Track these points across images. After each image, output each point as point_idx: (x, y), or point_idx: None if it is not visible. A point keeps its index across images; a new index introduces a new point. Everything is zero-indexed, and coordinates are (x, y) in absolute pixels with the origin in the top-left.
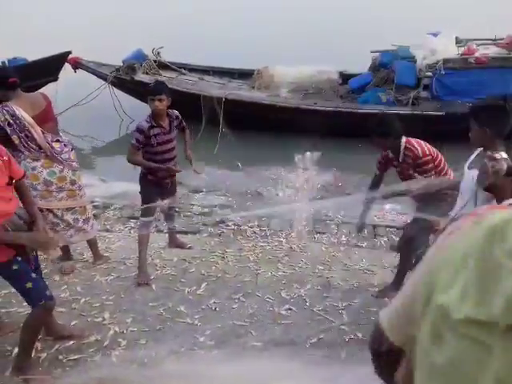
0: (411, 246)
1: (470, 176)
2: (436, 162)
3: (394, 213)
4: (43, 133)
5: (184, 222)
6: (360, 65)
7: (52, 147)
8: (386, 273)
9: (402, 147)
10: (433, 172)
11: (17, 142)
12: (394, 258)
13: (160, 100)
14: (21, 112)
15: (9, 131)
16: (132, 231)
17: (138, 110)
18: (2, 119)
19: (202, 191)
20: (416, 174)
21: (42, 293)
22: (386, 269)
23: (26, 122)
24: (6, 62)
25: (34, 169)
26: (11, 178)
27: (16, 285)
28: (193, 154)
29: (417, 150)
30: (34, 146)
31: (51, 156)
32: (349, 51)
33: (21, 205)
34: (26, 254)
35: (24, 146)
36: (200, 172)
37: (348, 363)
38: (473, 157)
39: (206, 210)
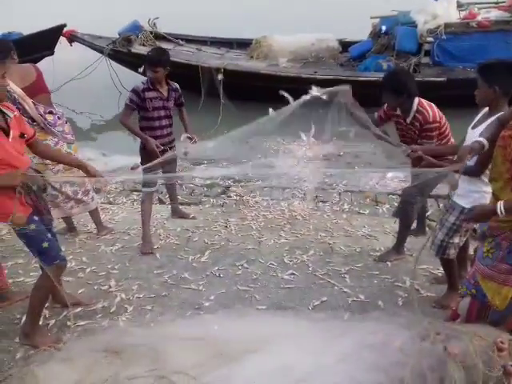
0: (409, 209)
1: (474, 135)
2: (441, 130)
3: (396, 180)
4: (35, 105)
5: (187, 194)
6: (360, 32)
7: (45, 119)
8: (387, 238)
9: (414, 108)
10: (435, 140)
11: None
12: (396, 224)
13: (156, 72)
14: (11, 84)
15: None
16: (135, 203)
17: (135, 83)
18: None
19: (203, 163)
20: (419, 139)
21: (57, 253)
22: (388, 234)
23: (15, 95)
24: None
25: None
26: (23, 134)
27: (32, 244)
28: (190, 126)
29: (428, 114)
30: (27, 119)
31: (45, 128)
32: (348, 18)
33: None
34: (42, 213)
35: None
36: (193, 137)
37: (351, 323)
38: (478, 116)
39: (207, 181)
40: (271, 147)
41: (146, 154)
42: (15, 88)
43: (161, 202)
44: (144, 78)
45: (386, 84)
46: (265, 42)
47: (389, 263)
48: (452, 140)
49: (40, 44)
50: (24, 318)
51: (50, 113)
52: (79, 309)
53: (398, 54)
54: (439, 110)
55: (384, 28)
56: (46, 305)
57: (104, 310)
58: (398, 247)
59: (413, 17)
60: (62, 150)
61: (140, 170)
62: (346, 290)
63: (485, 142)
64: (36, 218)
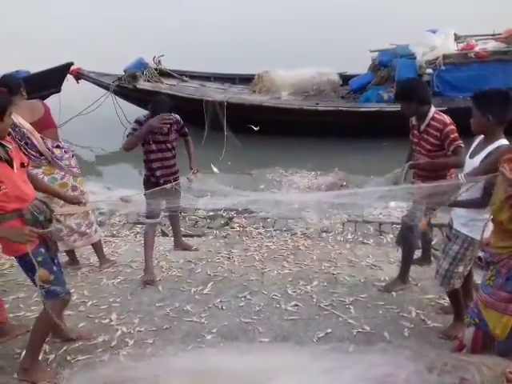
0: (410, 235)
1: (472, 164)
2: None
3: (400, 210)
4: (43, 139)
5: (190, 226)
6: (360, 65)
7: (52, 152)
8: (392, 268)
9: (430, 115)
10: (459, 141)
11: None
12: (399, 253)
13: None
14: (19, 119)
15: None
16: (138, 236)
17: None
18: None
19: (207, 195)
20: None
21: (62, 286)
22: (392, 264)
23: (25, 130)
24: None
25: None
26: (23, 164)
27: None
28: (194, 156)
29: (444, 117)
30: (35, 153)
31: (52, 162)
32: (348, 52)
33: None
34: (48, 244)
35: (24, 154)
36: (190, 181)
37: (356, 355)
38: (474, 145)
39: (211, 213)
40: (274, 179)
41: (150, 186)
42: (24, 123)
43: (164, 234)
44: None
45: (398, 94)
46: (267, 77)
47: (394, 293)
48: None
49: (47, 82)
50: (24, 353)
51: (57, 147)
52: (79, 343)
53: (397, 85)
54: None
55: (382, 60)
56: (47, 339)
57: (104, 344)
58: (403, 277)
59: (411, 49)
60: (68, 183)
61: (136, 199)
62: (350, 321)
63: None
64: (42, 250)
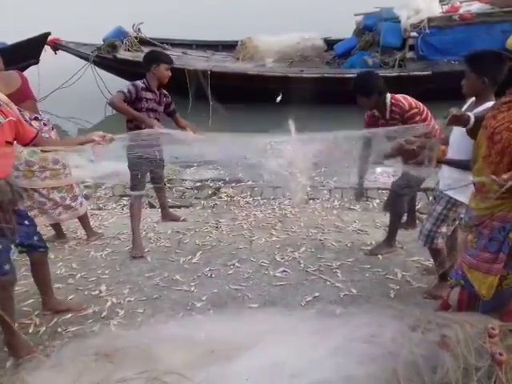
0: (398, 202)
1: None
2: (423, 116)
3: (386, 175)
4: (20, 111)
5: (177, 197)
6: (344, 29)
7: (31, 125)
8: (378, 232)
9: (388, 104)
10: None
11: None
12: (386, 218)
13: (169, 70)
14: None
15: None
16: (124, 208)
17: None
18: None
19: (193, 166)
20: None
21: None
22: (379, 228)
23: (0, 102)
24: None
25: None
26: (14, 139)
27: None
28: (193, 125)
29: (403, 104)
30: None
31: None
32: (332, 16)
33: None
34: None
35: None
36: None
37: (343, 316)
38: (465, 106)
39: (198, 184)
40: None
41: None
42: (0, 95)
43: (151, 205)
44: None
45: (355, 90)
46: (250, 43)
47: (380, 256)
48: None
49: (25, 53)
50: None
51: (36, 119)
52: (70, 315)
53: (382, 49)
54: (414, 99)
55: (367, 24)
56: (37, 312)
57: (95, 315)
58: (389, 240)
59: (396, 12)
60: (48, 156)
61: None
62: (337, 284)
63: (472, 116)
64: None
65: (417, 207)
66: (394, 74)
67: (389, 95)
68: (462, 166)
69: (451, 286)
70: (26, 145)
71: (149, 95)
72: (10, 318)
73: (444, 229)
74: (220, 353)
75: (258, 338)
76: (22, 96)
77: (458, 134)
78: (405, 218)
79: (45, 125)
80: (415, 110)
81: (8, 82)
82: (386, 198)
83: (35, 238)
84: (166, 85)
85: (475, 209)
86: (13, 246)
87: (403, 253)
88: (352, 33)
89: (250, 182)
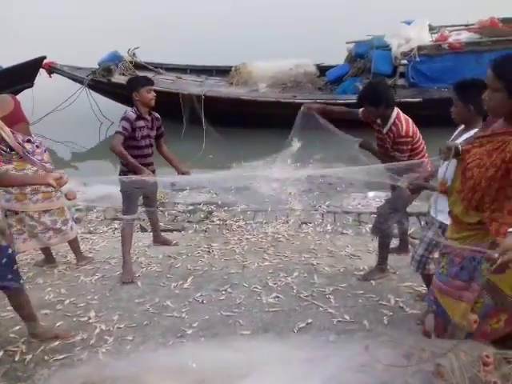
0: (384, 226)
1: None
2: (414, 145)
3: (378, 200)
4: (13, 133)
5: (169, 221)
6: (336, 57)
7: (24, 147)
8: (371, 257)
9: (392, 120)
10: (406, 154)
11: None
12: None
13: (153, 91)
14: None
15: None
16: (116, 232)
17: (116, 112)
18: None
19: (186, 189)
20: (393, 152)
21: None
22: (371, 253)
23: None
24: None
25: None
26: None
27: None
28: (176, 158)
29: (402, 127)
30: (5, 148)
31: (23, 157)
32: (324, 44)
33: None
34: None
35: None
36: (187, 172)
37: (337, 344)
38: (455, 133)
39: (190, 207)
40: (253, 171)
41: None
42: None
43: (142, 229)
44: (122, 108)
45: (364, 97)
46: (244, 69)
47: (373, 282)
48: (426, 156)
49: (20, 76)
50: (0, 354)
51: (29, 141)
52: (57, 342)
53: (374, 76)
54: (415, 126)
55: (359, 51)
56: (23, 339)
57: (83, 343)
58: (381, 265)
59: (387, 41)
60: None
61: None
62: (330, 310)
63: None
64: None
65: (409, 232)
66: None
67: (396, 111)
68: None
69: (427, 312)
70: None
71: (141, 123)
72: None
73: (436, 254)
74: (211, 382)
75: (250, 367)
76: (15, 119)
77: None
78: (397, 242)
79: (37, 147)
80: (407, 139)
81: (1, 105)
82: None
83: (9, 276)
84: (158, 108)
85: (449, 237)
86: None
87: (396, 278)
88: (344, 60)
89: (242, 206)
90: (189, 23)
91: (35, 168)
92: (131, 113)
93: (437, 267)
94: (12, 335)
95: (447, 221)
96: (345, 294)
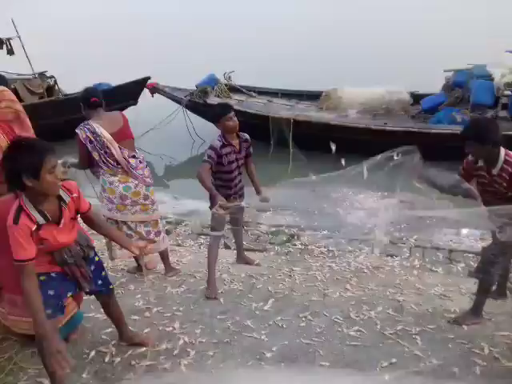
0: (490, 270)
1: None
2: None
3: (472, 238)
4: (120, 149)
5: (252, 241)
6: (432, 85)
7: (128, 162)
8: (463, 299)
9: (502, 158)
10: None
11: (97, 158)
12: (473, 285)
13: (234, 117)
14: (101, 129)
15: (90, 148)
16: (201, 247)
17: (208, 132)
18: (84, 136)
19: (269, 210)
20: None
21: (53, 309)
22: (464, 295)
23: (105, 139)
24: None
25: (111, 183)
26: (77, 213)
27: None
28: (258, 180)
29: None
30: (112, 162)
31: (127, 171)
32: (420, 71)
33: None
34: (70, 276)
35: (103, 162)
36: (267, 201)
37: None
38: None
39: (273, 229)
40: (338, 198)
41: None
42: (105, 133)
43: (226, 246)
44: (215, 128)
45: (469, 133)
46: (335, 94)
47: (465, 327)
48: None
49: (126, 94)
50: (92, 354)
51: (133, 157)
52: (144, 349)
53: (473, 107)
54: None
55: (457, 80)
56: (113, 341)
57: (167, 352)
58: (476, 310)
59: (488, 70)
60: (141, 192)
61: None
62: (417, 352)
63: None
64: (54, 275)
65: (509, 276)
66: None
67: (503, 150)
68: None
69: None
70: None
71: (227, 150)
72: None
73: None
74: None
75: None
76: (123, 135)
77: None
78: (495, 287)
79: (140, 162)
80: None
81: (112, 122)
82: (475, 264)
83: (99, 282)
84: (248, 129)
85: None
86: (69, 295)
87: (491, 325)
88: (440, 88)
89: (325, 232)
90: (281, 47)
91: (136, 181)
92: (217, 141)
93: None
94: (104, 337)
95: None
96: (433, 337)
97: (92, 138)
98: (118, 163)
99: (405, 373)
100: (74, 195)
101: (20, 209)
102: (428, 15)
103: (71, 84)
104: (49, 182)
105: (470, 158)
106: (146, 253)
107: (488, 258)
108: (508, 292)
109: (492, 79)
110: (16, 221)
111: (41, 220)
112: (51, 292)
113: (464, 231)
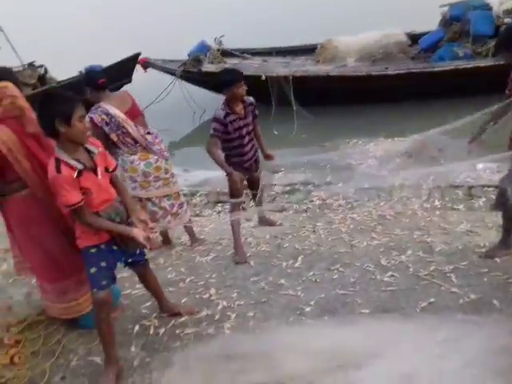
0: (509, 199)
1: None
2: None
3: (489, 171)
4: (136, 127)
5: (269, 202)
6: (428, 23)
7: (145, 139)
8: (490, 233)
9: None
10: None
11: (115, 139)
12: (498, 218)
13: (242, 86)
14: (114, 110)
15: (107, 130)
16: (221, 214)
17: (208, 100)
18: (99, 119)
19: (281, 170)
20: None
21: (98, 281)
22: (491, 229)
23: (120, 119)
24: (84, 71)
25: (132, 162)
26: (107, 168)
27: (85, 267)
28: (264, 142)
29: None
30: (130, 141)
31: (146, 147)
32: (415, 10)
33: None
34: (114, 244)
35: (122, 142)
36: (272, 159)
37: (466, 325)
38: None
39: (287, 188)
40: (348, 149)
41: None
42: (119, 113)
43: (243, 210)
44: (213, 95)
45: (502, 44)
46: (330, 45)
47: (497, 259)
48: None
49: (119, 73)
50: (136, 328)
51: (148, 133)
52: (185, 317)
53: (473, 39)
54: None
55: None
56: (154, 314)
57: (208, 318)
58: (505, 241)
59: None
60: (161, 166)
61: None
62: (453, 289)
63: None
64: (103, 246)
65: None
66: (489, 63)
67: None
68: None
69: None
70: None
71: (231, 117)
72: (109, 345)
73: None
74: (343, 360)
75: (383, 346)
76: (134, 113)
77: None
78: None
79: (156, 137)
80: None
81: (122, 102)
82: (493, 197)
83: (137, 251)
84: (247, 93)
85: None
86: (119, 264)
87: None
88: (437, 25)
89: (340, 184)
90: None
91: (156, 157)
92: (220, 111)
93: None
94: (144, 311)
95: None
96: (467, 273)
97: (108, 120)
98: (136, 141)
99: (445, 310)
100: (100, 149)
101: (58, 160)
102: None
103: (59, 72)
104: (79, 129)
105: None
106: (171, 227)
107: (505, 188)
108: None
109: (490, 8)
110: (59, 170)
111: (79, 166)
112: (103, 264)
113: (480, 166)
